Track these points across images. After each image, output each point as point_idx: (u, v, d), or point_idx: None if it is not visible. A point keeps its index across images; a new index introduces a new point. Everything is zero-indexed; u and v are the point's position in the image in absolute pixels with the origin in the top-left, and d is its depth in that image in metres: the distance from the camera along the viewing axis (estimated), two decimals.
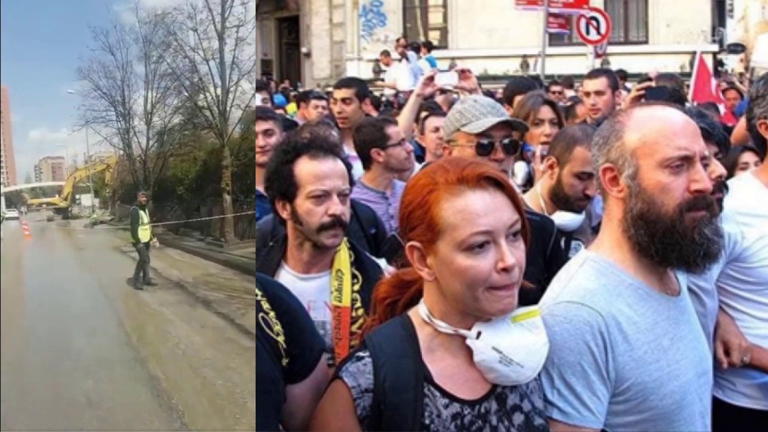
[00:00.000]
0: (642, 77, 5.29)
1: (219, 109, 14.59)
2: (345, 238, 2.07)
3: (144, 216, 10.10)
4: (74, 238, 20.13)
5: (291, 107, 9.42)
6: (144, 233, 9.99)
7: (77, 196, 28.39)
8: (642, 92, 3.42)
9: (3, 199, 28.91)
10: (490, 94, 5.96)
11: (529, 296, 1.47)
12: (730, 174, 2.53)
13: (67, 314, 8.04)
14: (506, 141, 2.38)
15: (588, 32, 10.96)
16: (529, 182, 3.09)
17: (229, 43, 14.26)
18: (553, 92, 7.22)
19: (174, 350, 6.18)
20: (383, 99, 9.73)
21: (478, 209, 1.37)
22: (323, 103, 5.39)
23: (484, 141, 2.36)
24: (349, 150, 2.76)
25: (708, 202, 1.54)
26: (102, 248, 15.95)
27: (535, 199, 2.67)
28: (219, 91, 14.65)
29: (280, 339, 1.54)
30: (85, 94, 18.99)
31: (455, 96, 5.49)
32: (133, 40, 17.81)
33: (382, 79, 13.39)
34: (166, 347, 6.30)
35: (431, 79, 3.71)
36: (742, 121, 3.20)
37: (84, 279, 10.97)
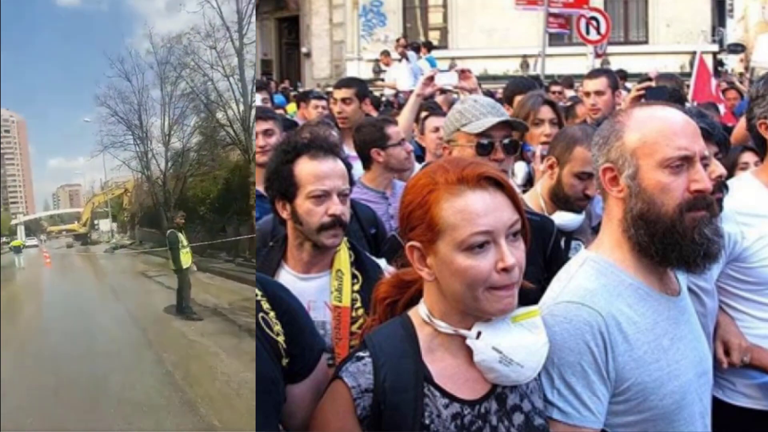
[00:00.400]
0: (642, 77, 5.29)
1: (243, 125, 14.64)
2: (345, 238, 2.07)
3: (183, 239, 9.00)
4: (95, 263, 20.05)
5: (291, 107, 9.42)
6: (185, 257, 8.91)
7: (96, 222, 28.59)
8: (642, 92, 3.42)
9: (23, 228, 29.24)
10: (490, 94, 5.96)
11: (529, 296, 1.47)
12: (730, 174, 2.53)
13: (97, 347, 7.35)
14: (506, 141, 2.38)
15: (588, 32, 10.96)
16: (529, 182, 3.09)
17: (248, 58, 14.38)
18: (553, 92, 7.22)
19: (225, 390, 5.27)
20: (383, 99, 9.73)
21: (478, 209, 1.37)
22: (323, 103, 5.39)
23: (484, 141, 2.36)
24: (349, 150, 2.76)
25: (708, 202, 1.54)
26: (126, 274, 15.57)
27: (535, 199, 2.67)
28: (241, 106, 14.77)
29: (280, 339, 1.54)
30: (102, 120, 19.55)
31: (455, 96, 5.48)
32: (148, 65, 18.27)
33: (382, 79, 13.38)
34: (215, 387, 5.39)
35: (431, 79, 3.71)
36: (742, 121, 3.20)
37: (111, 307, 10.37)
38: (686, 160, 1.52)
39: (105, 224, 28.05)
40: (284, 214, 2.04)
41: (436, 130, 3.78)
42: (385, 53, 12.91)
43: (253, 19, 14.16)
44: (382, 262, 2.15)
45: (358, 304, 1.99)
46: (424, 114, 4.25)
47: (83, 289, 13.52)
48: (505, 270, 1.36)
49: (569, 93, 7.88)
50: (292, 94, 12.27)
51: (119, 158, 19.95)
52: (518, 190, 1.76)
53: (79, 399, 5.35)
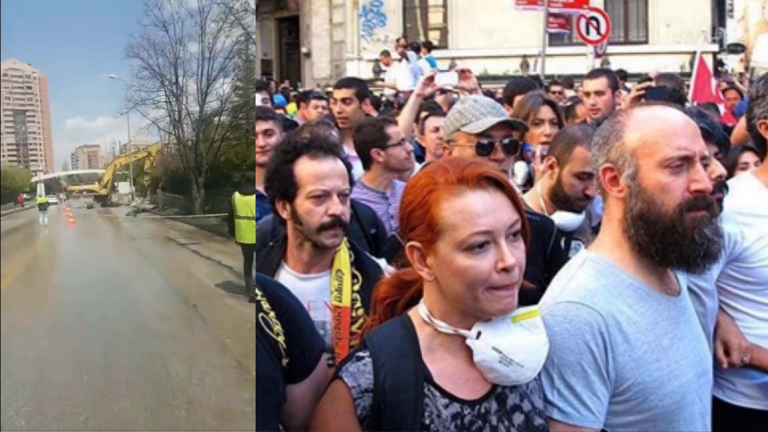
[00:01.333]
0: (642, 77, 5.29)
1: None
2: (345, 238, 2.07)
3: (251, 205, 6.10)
4: (119, 226, 19.28)
5: (291, 107, 9.42)
6: (249, 230, 6.55)
7: (116, 184, 28.14)
8: (642, 92, 3.42)
9: (43, 186, 28.82)
10: (490, 94, 5.95)
11: (529, 296, 1.47)
12: (730, 174, 2.53)
13: (146, 323, 6.46)
14: (506, 141, 2.38)
15: (588, 32, 10.96)
16: (529, 182, 3.09)
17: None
18: (553, 92, 7.22)
19: None
20: (383, 99, 9.73)
21: (478, 209, 1.37)
22: (323, 103, 5.39)
23: (484, 141, 2.36)
24: (349, 150, 2.76)
25: (708, 202, 1.54)
26: (155, 240, 14.75)
27: (535, 199, 2.67)
28: None
29: (280, 339, 1.54)
30: (133, 74, 17.78)
31: (455, 96, 5.48)
32: (188, 12, 16.56)
33: (382, 79, 13.38)
34: None
35: (431, 79, 3.71)
36: (742, 121, 3.20)
37: (147, 275, 9.58)
38: (686, 160, 1.52)
39: (124, 187, 27.70)
40: (284, 214, 2.04)
41: (436, 130, 3.78)
42: (385, 53, 12.91)
43: None
44: (382, 262, 2.15)
45: (358, 304, 1.99)
46: (424, 114, 4.25)
47: (113, 253, 13.09)
48: (505, 270, 1.36)
49: (569, 93, 7.88)
50: (292, 94, 12.27)
51: (149, 117, 18.28)
52: (518, 190, 1.76)
53: (138, 384, 4.75)
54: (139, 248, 13.37)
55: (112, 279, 9.48)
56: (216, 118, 16.92)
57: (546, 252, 2.43)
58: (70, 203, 29.86)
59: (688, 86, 5.63)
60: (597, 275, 1.58)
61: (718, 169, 1.86)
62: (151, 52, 17.42)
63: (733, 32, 18.78)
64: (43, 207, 21.16)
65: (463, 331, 1.43)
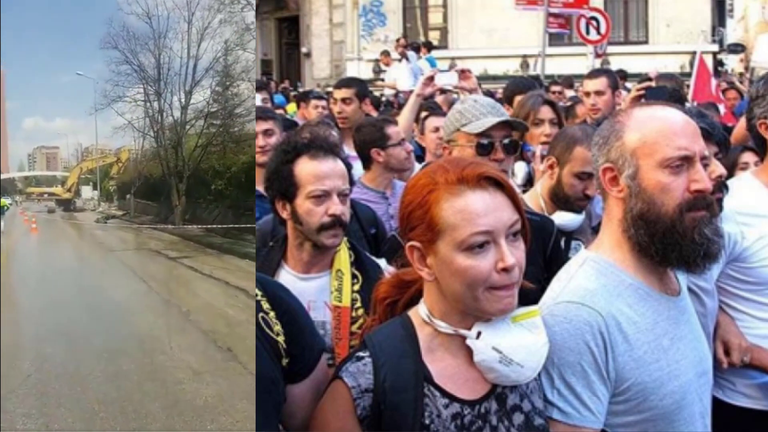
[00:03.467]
0: (642, 77, 5.30)
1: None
2: (345, 238, 2.07)
3: None
4: (90, 234, 17.16)
5: (291, 107, 9.42)
6: None
7: (79, 188, 27.01)
8: (642, 92, 3.42)
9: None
10: (490, 94, 5.96)
11: (529, 296, 1.47)
12: (730, 174, 2.53)
13: (173, 377, 5.00)
14: (506, 141, 2.39)
15: (588, 32, 10.96)
16: (529, 182, 3.09)
17: None
18: (553, 92, 7.22)
19: None
20: (383, 99, 9.73)
21: (478, 209, 1.37)
22: (323, 103, 5.39)
23: (484, 141, 2.36)
24: (349, 150, 2.76)
25: (708, 202, 1.54)
26: (140, 251, 12.96)
27: (535, 199, 2.68)
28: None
29: (280, 339, 1.54)
30: (110, 68, 15.80)
31: (455, 96, 5.49)
32: (174, 4, 14.93)
33: (382, 79, 13.39)
34: None
35: (431, 79, 3.71)
36: (742, 121, 3.20)
37: (153, 303, 7.92)
38: (686, 160, 1.52)
39: (87, 191, 26.44)
40: (284, 214, 2.05)
41: (436, 130, 3.78)
42: (385, 53, 12.92)
43: None
44: (382, 262, 2.15)
45: (358, 304, 1.99)
46: (424, 114, 4.26)
47: (92, 267, 11.14)
48: (505, 270, 1.36)
49: (569, 93, 7.88)
50: (292, 94, 12.27)
51: (125, 117, 16.31)
52: (518, 190, 1.76)
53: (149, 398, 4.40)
54: (123, 261, 11.72)
55: (100, 304, 7.73)
56: (200, 122, 15.53)
57: (546, 252, 2.43)
58: (28, 206, 27.51)
59: (688, 86, 5.63)
60: (597, 275, 1.58)
61: (718, 169, 1.86)
62: (132, 44, 15.77)
63: (733, 32, 18.77)
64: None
65: (463, 331, 1.43)
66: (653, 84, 3.86)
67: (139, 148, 19.37)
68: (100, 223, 20.23)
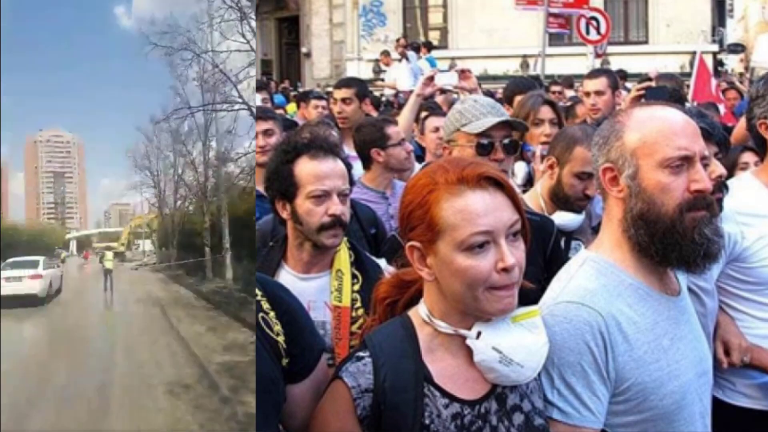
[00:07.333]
0: (642, 77, 5.30)
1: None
2: (345, 238, 2.07)
3: None
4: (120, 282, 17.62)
5: (291, 107, 9.42)
6: None
7: (138, 242, 28.63)
8: (642, 92, 3.42)
9: (75, 242, 29.33)
10: (490, 94, 5.95)
11: (529, 296, 1.47)
12: (730, 174, 2.53)
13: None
14: (506, 141, 2.38)
15: (588, 32, 10.95)
16: (529, 182, 3.09)
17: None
18: (553, 92, 7.23)
19: None
20: (383, 99, 9.73)
21: (478, 209, 1.37)
22: (323, 103, 5.40)
23: (484, 141, 2.36)
24: (349, 150, 2.76)
25: (708, 202, 1.54)
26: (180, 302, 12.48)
27: (535, 199, 2.67)
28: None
29: (280, 339, 1.54)
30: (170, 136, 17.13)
31: (455, 96, 5.48)
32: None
33: (382, 79, 13.39)
34: None
35: (431, 79, 3.71)
36: (742, 121, 3.20)
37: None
38: (686, 160, 1.52)
39: (147, 245, 28.22)
40: (284, 214, 2.04)
41: (436, 130, 3.78)
42: (385, 53, 12.92)
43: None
44: (382, 262, 2.15)
45: (358, 304, 1.99)
46: (424, 114, 4.25)
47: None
48: (505, 270, 1.36)
49: (569, 93, 7.88)
50: (292, 94, 12.27)
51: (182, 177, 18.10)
52: (518, 190, 1.76)
53: None
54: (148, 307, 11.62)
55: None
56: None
57: (546, 252, 2.43)
58: (93, 259, 30.51)
59: (688, 86, 5.63)
60: (597, 275, 1.58)
61: (718, 169, 1.86)
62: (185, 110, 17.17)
63: (733, 32, 18.79)
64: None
65: (463, 331, 1.43)
66: (653, 84, 3.86)
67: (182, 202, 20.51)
68: (136, 271, 21.64)
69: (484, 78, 12.02)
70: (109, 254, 18.66)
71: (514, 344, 1.41)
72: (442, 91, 5.32)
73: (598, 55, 11.51)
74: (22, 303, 13.42)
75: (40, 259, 16.05)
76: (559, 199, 2.62)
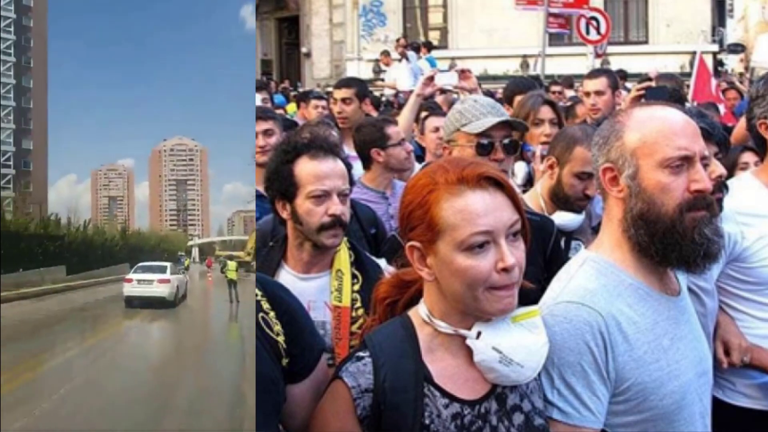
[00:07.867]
0: (642, 77, 5.30)
1: None
2: (345, 238, 2.07)
3: None
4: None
5: (291, 107, 9.41)
6: None
7: None
8: (642, 92, 3.42)
9: (197, 249, 29.09)
10: (490, 94, 5.95)
11: (529, 296, 1.47)
12: (730, 174, 2.53)
13: None
14: (506, 141, 2.38)
15: (588, 32, 10.96)
16: (529, 182, 3.09)
17: None
18: (553, 92, 7.22)
19: None
20: (383, 99, 9.73)
21: (478, 209, 1.37)
22: (323, 103, 5.39)
23: (484, 141, 2.36)
24: (349, 150, 2.76)
25: (708, 202, 1.54)
26: None
27: (535, 199, 2.67)
28: None
29: (280, 339, 1.54)
30: None
31: (455, 96, 5.48)
32: None
33: (382, 79, 13.39)
34: None
35: (431, 79, 3.71)
36: (742, 121, 3.20)
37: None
38: (686, 160, 1.52)
39: None
40: (284, 214, 2.04)
41: (436, 130, 3.77)
42: (385, 53, 12.92)
43: None
44: (382, 262, 2.15)
45: (358, 304, 1.99)
46: (424, 114, 4.25)
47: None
48: (505, 270, 1.36)
49: (569, 93, 7.88)
50: (292, 94, 12.27)
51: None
52: (518, 190, 1.76)
53: None
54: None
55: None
56: None
57: (546, 252, 2.43)
58: (216, 268, 29.29)
59: (688, 86, 5.63)
60: (597, 275, 1.58)
61: (718, 169, 1.86)
62: None
63: (733, 32, 18.79)
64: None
65: (463, 331, 1.43)
66: (653, 84, 3.86)
67: None
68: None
69: (484, 78, 12.04)
70: (232, 264, 18.15)
71: (514, 344, 1.41)
72: (442, 91, 5.31)
73: (598, 55, 11.52)
74: (151, 305, 13.94)
75: (168, 264, 16.70)
76: (559, 199, 2.62)
